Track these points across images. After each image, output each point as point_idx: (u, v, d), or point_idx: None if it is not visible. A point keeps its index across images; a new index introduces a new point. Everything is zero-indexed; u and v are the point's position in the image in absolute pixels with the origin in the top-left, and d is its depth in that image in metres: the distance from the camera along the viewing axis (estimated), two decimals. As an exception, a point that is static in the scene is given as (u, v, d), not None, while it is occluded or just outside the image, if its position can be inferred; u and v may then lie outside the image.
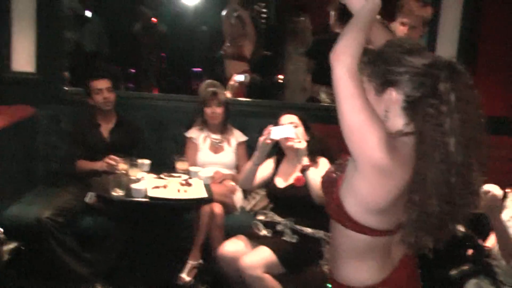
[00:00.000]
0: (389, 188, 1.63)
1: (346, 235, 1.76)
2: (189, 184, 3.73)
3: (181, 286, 3.84)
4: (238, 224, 3.97)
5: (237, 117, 4.60)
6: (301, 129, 3.58)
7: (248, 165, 3.59)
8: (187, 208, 3.96)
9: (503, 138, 4.38)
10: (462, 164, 1.61)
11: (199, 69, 7.62)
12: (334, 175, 1.82)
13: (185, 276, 3.85)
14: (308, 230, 3.50)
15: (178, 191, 3.60)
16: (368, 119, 1.59)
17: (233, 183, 4.26)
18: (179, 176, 3.87)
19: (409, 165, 1.63)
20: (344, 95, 1.60)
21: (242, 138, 4.48)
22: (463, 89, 1.60)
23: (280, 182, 3.65)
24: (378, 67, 1.72)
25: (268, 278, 3.30)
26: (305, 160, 3.43)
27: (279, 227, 3.55)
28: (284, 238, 3.49)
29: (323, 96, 5.50)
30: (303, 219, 3.54)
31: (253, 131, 4.43)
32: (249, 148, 4.33)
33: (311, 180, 3.39)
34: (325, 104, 5.31)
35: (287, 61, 6.65)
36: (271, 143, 3.45)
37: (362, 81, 1.68)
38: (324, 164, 3.51)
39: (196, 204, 3.73)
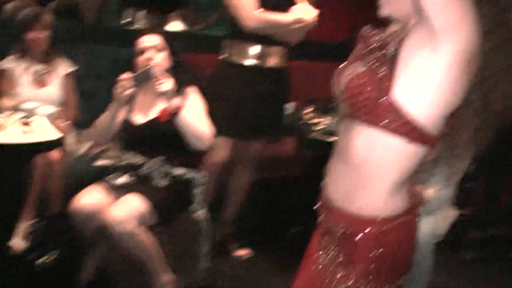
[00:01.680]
0: (466, 81, 1.27)
1: (388, 149, 1.33)
2: (27, 124, 2.94)
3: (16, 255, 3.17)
4: (72, 173, 3.38)
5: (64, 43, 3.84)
6: (164, 54, 3.00)
7: (105, 118, 2.95)
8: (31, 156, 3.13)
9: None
10: None
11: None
12: (377, 74, 1.31)
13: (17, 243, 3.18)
14: (179, 170, 3.00)
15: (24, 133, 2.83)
16: None
17: (63, 123, 3.55)
18: (12, 114, 3.04)
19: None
20: None
21: (70, 68, 3.75)
22: None
23: (139, 118, 3.03)
24: None
25: (141, 232, 2.76)
26: (176, 101, 2.87)
27: (144, 170, 2.98)
28: (152, 182, 2.95)
29: (143, 22, 4.85)
30: (170, 158, 2.98)
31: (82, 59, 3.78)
32: (77, 80, 3.74)
33: (185, 122, 2.86)
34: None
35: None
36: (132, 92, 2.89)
37: None
38: (193, 95, 2.99)
39: (47, 149, 2.97)
